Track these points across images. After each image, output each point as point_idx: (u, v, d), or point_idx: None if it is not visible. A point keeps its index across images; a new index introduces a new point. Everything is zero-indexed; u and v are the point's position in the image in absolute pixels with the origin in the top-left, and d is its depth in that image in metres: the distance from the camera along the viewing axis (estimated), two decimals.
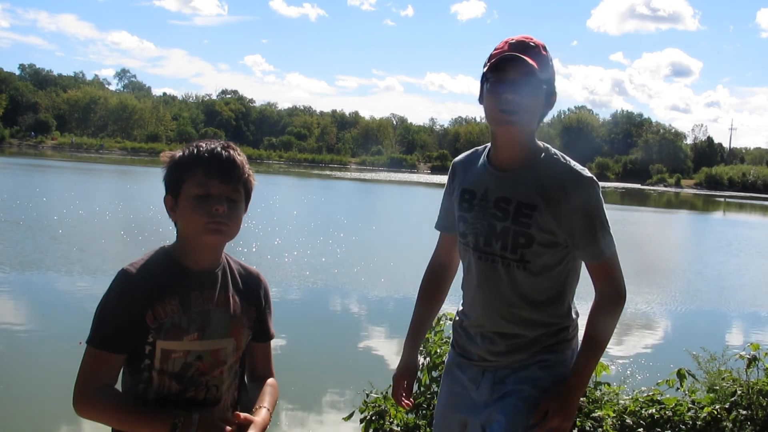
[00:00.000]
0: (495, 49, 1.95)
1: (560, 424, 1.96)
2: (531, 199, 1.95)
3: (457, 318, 2.23)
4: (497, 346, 2.08)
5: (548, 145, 2.05)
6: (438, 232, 2.34)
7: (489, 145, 2.09)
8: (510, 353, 2.07)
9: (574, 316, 2.13)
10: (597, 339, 2.02)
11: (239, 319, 1.74)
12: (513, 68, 1.89)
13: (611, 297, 2.03)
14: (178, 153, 1.71)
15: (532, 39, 1.95)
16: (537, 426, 1.96)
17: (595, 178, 1.98)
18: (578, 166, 1.98)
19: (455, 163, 2.22)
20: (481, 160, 2.10)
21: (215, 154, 1.67)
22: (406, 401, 2.30)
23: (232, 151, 1.69)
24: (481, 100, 1.99)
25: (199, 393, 1.68)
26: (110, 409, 1.61)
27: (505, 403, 2.03)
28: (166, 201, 1.71)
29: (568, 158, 2.01)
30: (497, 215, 1.99)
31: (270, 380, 1.85)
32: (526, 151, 2.00)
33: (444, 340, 3.59)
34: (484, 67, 1.95)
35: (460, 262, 2.22)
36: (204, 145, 1.70)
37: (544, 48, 1.96)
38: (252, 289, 1.81)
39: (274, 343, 1.89)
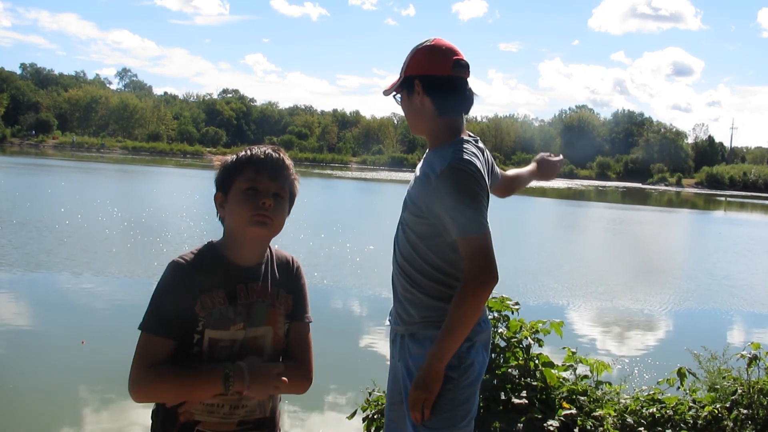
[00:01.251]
0: None
1: (413, 394, 2.14)
2: (419, 173, 2.26)
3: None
4: (399, 312, 2.30)
5: (470, 137, 2.26)
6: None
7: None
8: (404, 321, 2.27)
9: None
10: (452, 315, 2.09)
11: (277, 309, 1.83)
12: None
13: (466, 277, 2.09)
14: (232, 156, 1.85)
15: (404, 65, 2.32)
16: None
17: (466, 164, 2.11)
18: (459, 153, 2.14)
19: None
20: None
21: (266, 154, 1.83)
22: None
23: (281, 154, 1.85)
24: None
25: None
26: (162, 379, 1.68)
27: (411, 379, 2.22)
28: (216, 198, 1.84)
29: (466, 147, 2.18)
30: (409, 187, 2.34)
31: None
32: (435, 141, 2.30)
33: None
34: None
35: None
36: (256, 147, 1.85)
37: (405, 68, 2.29)
38: (289, 276, 1.90)
39: None
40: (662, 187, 73.74)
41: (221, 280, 1.76)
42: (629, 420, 3.54)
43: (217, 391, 1.70)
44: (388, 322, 2.44)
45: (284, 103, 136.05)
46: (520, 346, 3.64)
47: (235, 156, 1.84)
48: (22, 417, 4.82)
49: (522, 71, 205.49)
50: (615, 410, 3.58)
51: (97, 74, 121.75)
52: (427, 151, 2.37)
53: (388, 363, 2.48)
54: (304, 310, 1.90)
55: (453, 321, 2.09)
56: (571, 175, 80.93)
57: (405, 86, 2.29)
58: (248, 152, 1.83)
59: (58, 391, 5.32)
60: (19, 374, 5.61)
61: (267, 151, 1.83)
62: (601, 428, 3.48)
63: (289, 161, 1.86)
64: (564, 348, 3.89)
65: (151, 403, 1.78)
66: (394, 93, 2.35)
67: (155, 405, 1.80)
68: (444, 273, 2.21)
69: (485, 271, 2.06)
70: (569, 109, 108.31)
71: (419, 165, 2.34)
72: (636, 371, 6.18)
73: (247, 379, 1.69)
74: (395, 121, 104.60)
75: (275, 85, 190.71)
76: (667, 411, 3.59)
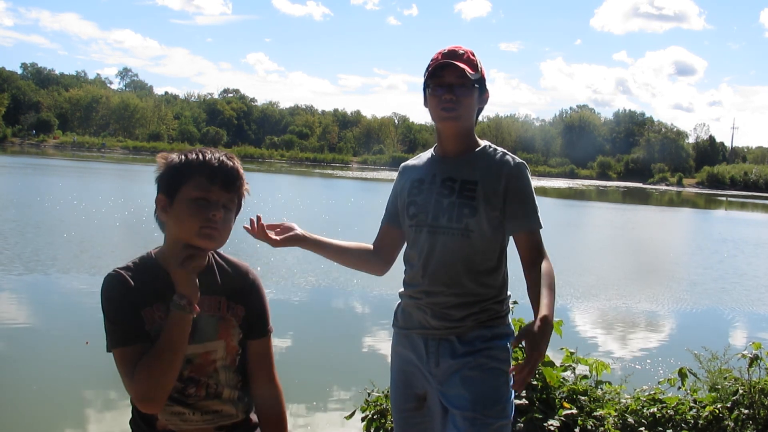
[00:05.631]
0: (431, 60, 2.28)
1: (536, 356, 1.96)
2: (473, 177, 2.24)
3: (403, 296, 2.37)
4: (443, 316, 2.24)
5: (488, 141, 2.35)
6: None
7: (434, 146, 2.41)
8: (452, 323, 2.23)
9: (508, 290, 2.33)
10: (551, 277, 2.20)
11: (227, 320, 1.75)
12: (448, 73, 2.22)
13: (546, 261, 2.22)
14: (179, 155, 1.73)
15: (461, 48, 2.29)
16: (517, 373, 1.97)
17: (525, 162, 2.29)
18: (512, 154, 2.30)
19: (403, 164, 2.49)
20: (428, 156, 2.40)
21: (221, 162, 1.71)
22: (274, 237, 2.27)
23: (236, 162, 1.75)
24: (425, 103, 2.32)
25: (200, 390, 1.72)
26: (151, 363, 1.61)
27: (461, 374, 2.20)
28: (159, 201, 1.71)
29: (504, 149, 2.32)
30: (444, 193, 2.26)
31: (275, 413, 1.91)
32: (467, 143, 2.31)
33: None
34: (424, 75, 2.28)
35: (390, 261, 2.47)
36: (209, 152, 1.72)
37: (473, 54, 2.29)
38: (238, 286, 1.79)
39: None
40: (663, 187, 73.68)
41: (159, 293, 1.67)
42: (630, 420, 3.54)
43: (182, 320, 1.62)
44: (394, 327, 2.40)
45: (285, 103, 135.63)
46: (520, 345, 3.63)
47: (183, 157, 1.71)
48: (25, 417, 4.82)
49: (524, 71, 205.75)
50: (616, 410, 3.58)
51: (97, 74, 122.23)
52: (434, 155, 2.35)
53: (389, 366, 2.46)
54: (265, 325, 1.81)
55: (552, 283, 2.17)
56: (571, 175, 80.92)
57: (481, 83, 2.28)
58: (200, 157, 1.69)
59: (61, 391, 5.32)
60: (23, 374, 5.62)
61: (221, 159, 1.70)
62: (601, 428, 3.48)
63: (241, 170, 1.74)
64: (562, 349, 3.88)
65: (166, 399, 1.67)
66: (474, 81, 2.24)
67: (132, 414, 1.74)
68: (498, 275, 2.29)
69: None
70: (570, 108, 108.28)
71: (448, 171, 2.28)
72: (637, 371, 6.18)
73: (181, 291, 1.64)
74: (396, 121, 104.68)
75: (276, 84, 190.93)
76: (668, 411, 3.59)
